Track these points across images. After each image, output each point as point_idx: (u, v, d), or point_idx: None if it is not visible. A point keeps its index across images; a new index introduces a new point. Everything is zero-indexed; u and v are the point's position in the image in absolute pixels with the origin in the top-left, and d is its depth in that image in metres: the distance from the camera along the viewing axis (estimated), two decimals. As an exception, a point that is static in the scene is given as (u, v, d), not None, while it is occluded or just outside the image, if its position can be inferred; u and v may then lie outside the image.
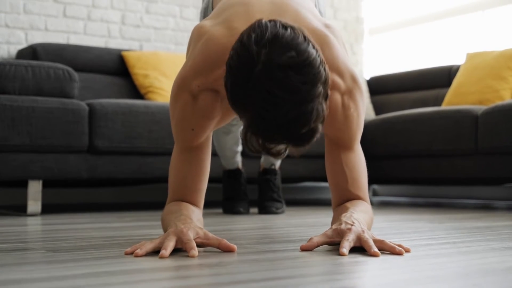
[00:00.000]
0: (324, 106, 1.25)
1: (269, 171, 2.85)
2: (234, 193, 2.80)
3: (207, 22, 1.52)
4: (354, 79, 1.50)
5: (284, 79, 1.19)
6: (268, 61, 1.20)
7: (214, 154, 2.70)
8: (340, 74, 1.48)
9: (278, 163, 2.88)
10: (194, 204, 1.58)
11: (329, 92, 1.28)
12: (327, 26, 1.51)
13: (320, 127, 1.26)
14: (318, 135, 1.27)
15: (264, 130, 1.23)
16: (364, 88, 4.16)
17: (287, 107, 1.20)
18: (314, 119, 1.23)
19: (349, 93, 1.50)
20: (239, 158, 2.83)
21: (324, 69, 1.25)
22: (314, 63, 1.22)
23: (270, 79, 1.20)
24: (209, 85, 1.47)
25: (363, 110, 1.55)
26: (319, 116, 1.24)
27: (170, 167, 1.61)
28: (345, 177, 1.56)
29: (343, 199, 1.58)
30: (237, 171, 2.83)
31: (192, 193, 1.58)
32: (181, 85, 1.50)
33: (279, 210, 2.75)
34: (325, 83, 1.25)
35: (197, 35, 1.51)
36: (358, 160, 1.59)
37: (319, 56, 1.25)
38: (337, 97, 1.49)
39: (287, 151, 1.31)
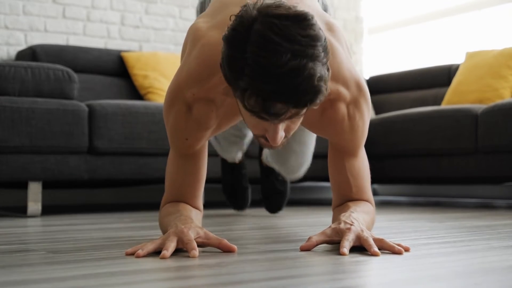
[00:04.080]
0: (327, 75, 1.20)
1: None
2: (234, 183, 2.65)
3: (203, 24, 1.49)
4: (359, 87, 1.49)
5: (282, 27, 1.16)
6: (266, 15, 1.18)
7: (214, 154, 2.70)
8: (345, 84, 1.47)
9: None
10: (193, 207, 1.58)
11: (330, 71, 1.22)
12: (330, 28, 1.47)
13: (323, 89, 1.19)
14: (320, 99, 1.20)
15: (262, 81, 1.15)
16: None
17: (287, 56, 1.14)
18: (318, 78, 1.17)
19: (355, 102, 1.49)
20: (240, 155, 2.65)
21: (325, 44, 1.20)
22: (316, 25, 1.19)
23: (268, 28, 1.16)
24: (204, 94, 1.45)
25: (368, 116, 1.54)
26: (322, 78, 1.18)
27: (166, 169, 1.60)
28: (350, 186, 1.56)
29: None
30: (238, 164, 2.65)
31: (189, 200, 1.57)
32: (176, 93, 1.48)
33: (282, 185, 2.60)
34: (326, 52, 1.20)
35: (193, 38, 1.47)
36: (362, 166, 1.58)
37: (322, 31, 1.21)
38: (343, 108, 1.48)
39: (287, 114, 1.20)
